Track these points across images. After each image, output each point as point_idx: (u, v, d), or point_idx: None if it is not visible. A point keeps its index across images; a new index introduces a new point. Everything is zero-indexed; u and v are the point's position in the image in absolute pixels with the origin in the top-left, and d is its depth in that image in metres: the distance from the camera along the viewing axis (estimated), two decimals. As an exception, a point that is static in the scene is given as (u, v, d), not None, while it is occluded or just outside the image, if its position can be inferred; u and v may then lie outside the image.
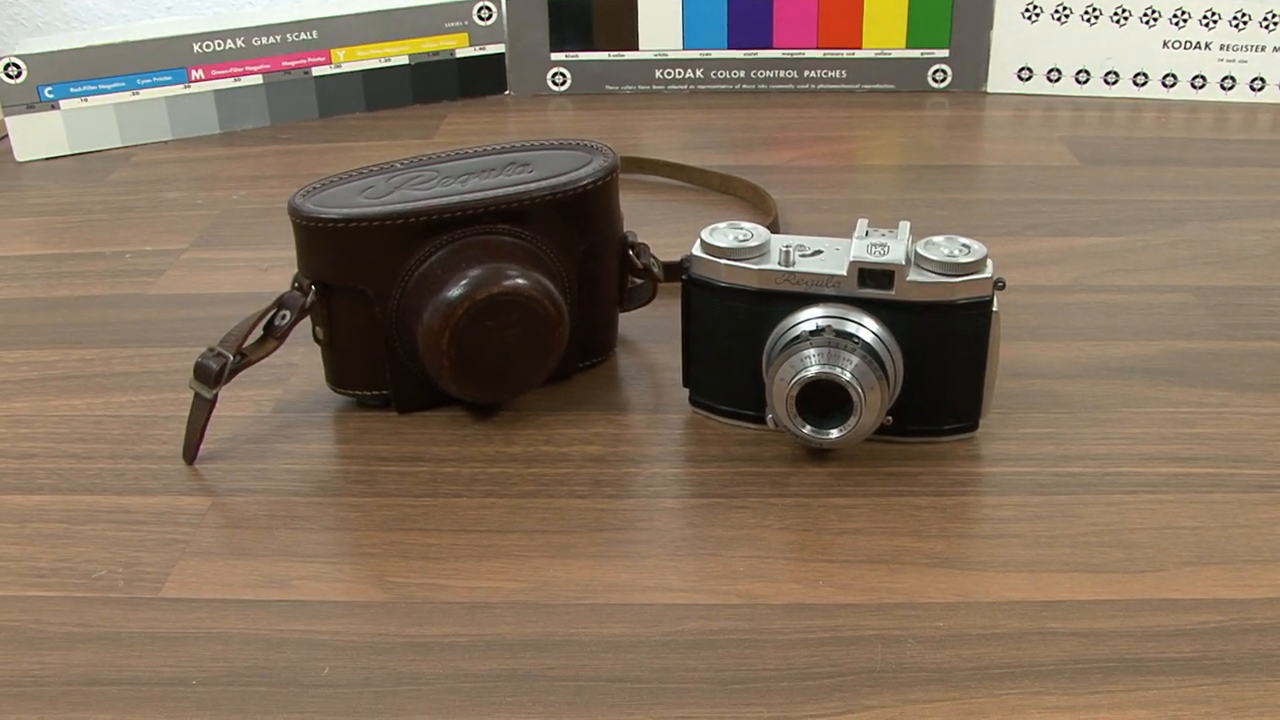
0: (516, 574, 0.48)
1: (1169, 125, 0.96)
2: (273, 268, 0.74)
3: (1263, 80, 1.00)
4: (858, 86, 1.05)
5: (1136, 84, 1.02)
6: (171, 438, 0.57)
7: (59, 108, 0.95)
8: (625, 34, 1.05)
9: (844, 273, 0.52)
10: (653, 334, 0.65)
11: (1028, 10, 1.01)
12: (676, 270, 0.56)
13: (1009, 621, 0.45)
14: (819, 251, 0.54)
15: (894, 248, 0.52)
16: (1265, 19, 0.98)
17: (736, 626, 0.45)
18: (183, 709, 0.42)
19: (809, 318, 0.52)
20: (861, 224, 0.54)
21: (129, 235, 0.80)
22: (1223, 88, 1.00)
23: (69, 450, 0.57)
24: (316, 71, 1.01)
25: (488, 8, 1.04)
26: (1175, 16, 0.99)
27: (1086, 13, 1.00)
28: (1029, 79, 1.03)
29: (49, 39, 1.02)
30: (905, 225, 0.54)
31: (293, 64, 1.00)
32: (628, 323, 0.65)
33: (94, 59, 0.95)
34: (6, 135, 0.96)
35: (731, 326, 0.55)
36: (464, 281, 0.53)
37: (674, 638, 0.45)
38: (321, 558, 0.49)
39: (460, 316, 0.53)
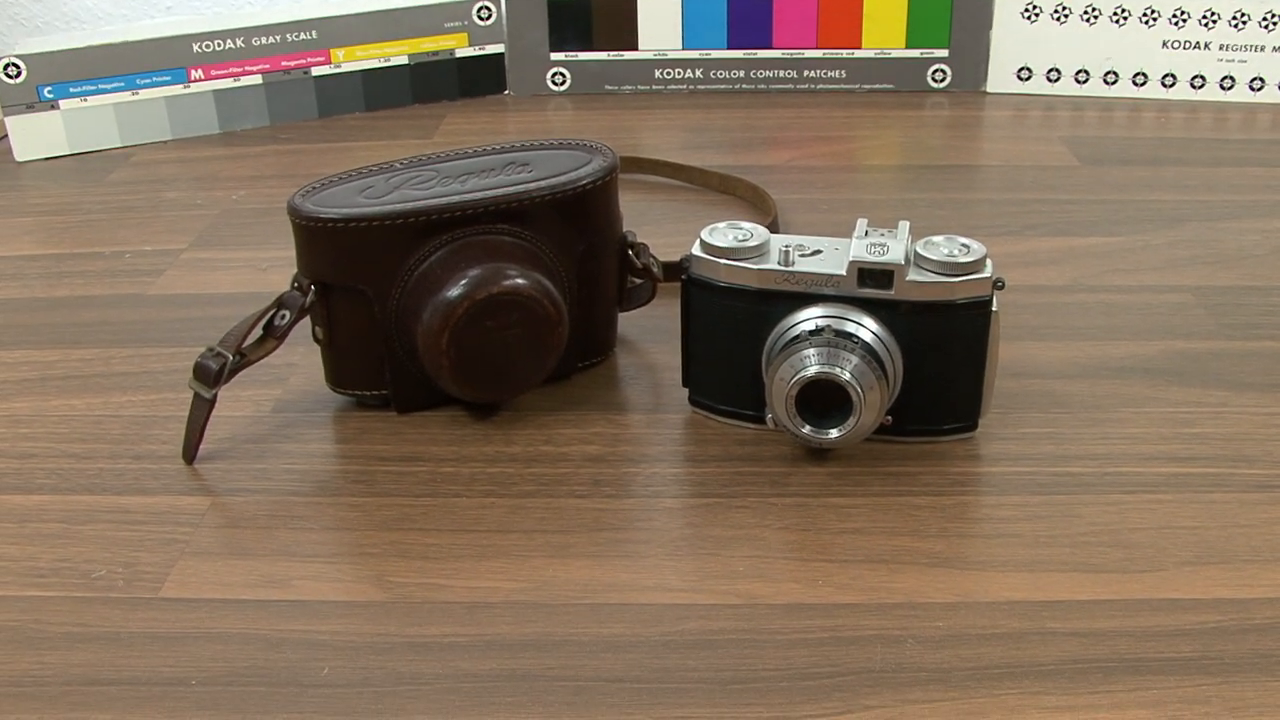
0: (516, 574, 0.48)
1: (1168, 125, 0.96)
2: (272, 268, 0.74)
3: (1262, 80, 1.00)
4: (857, 86, 1.05)
5: (1136, 84, 1.02)
6: (171, 438, 0.57)
7: (58, 108, 0.95)
8: (625, 34, 1.05)
9: (843, 272, 0.52)
10: (652, 334, 0.65)
11: (1027, 10, 1.01)
12: (676, 270, 0.56)
13: (1008, 621, 0.45)
14: (818, 251, 0.54)
15: (893, 248, 0.52)
16: (1264, 19, 0.98)
17: (736, 626, 0.45)
18: (182, 709, 0.42)
19: (808, 317, 0.52)
20: (861, 224, 0.54)
21: (128, 235, 0.80)
22: (1222, 88, 1.00)
23: (68, 450, 0.57)
24: (316, 71, 1.01)
25: (487, 8, 1.04)
26: (1174, 16, 0.99)
27: (1086, 13, 1.00)
28: (1028, 79, 1.03)
29: (49, 39, 1.02)
30: (905, 225, 0.54)
31: (292, 64, 1.00)
32: (627, 322, 0.65)
33: (93, 59, 0.95)
34: (6, 135, 0.96)
35: (731, 326, 0.55)
36: (464, 281, 0.53)
37: (673, 638, 0.45)
38: (321, 558, 0.49)
39: (460, 316, 0.53)
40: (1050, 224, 0.78)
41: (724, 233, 0.55)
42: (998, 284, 0.52)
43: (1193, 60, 1.00)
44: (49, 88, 0.94)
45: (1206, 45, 0.99)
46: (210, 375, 0.54)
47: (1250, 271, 0.71)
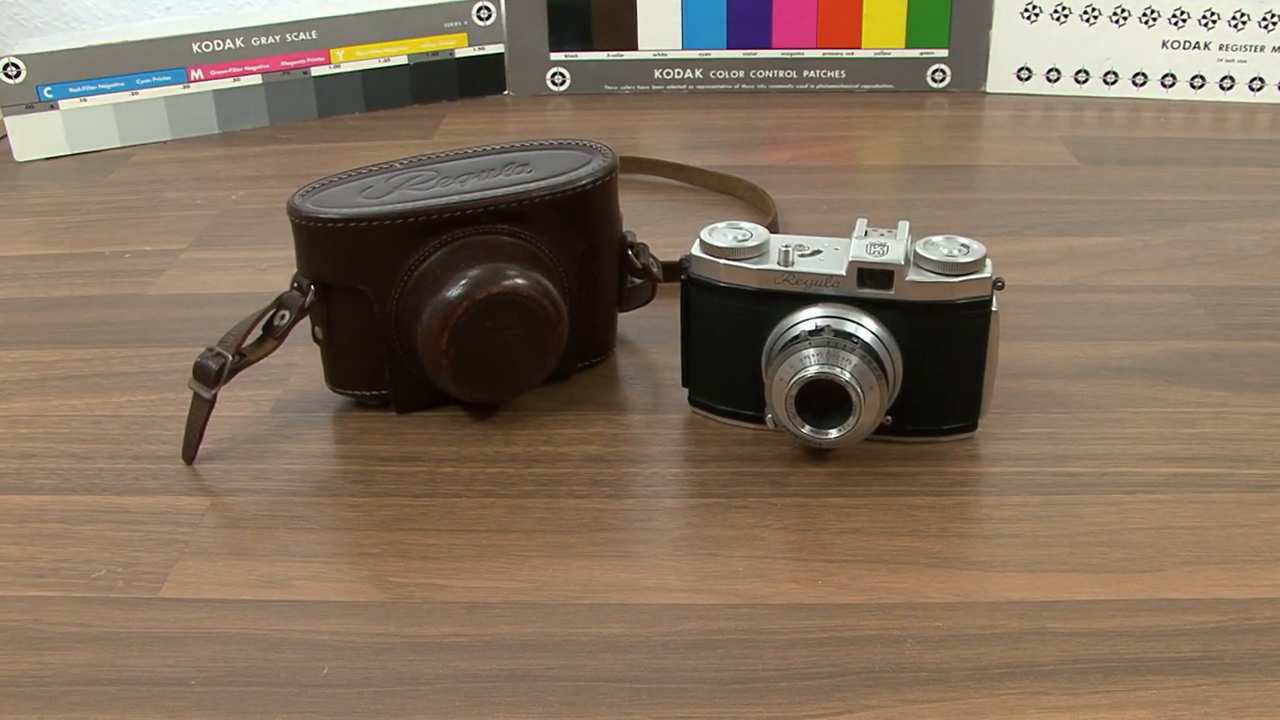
0: (515, 574, 0.48)
1: (1168, 125, 0.96)
2: (272, 268, 0.74)
3: (1261, 80, 1.00)
4: (857, 86, 1.05)
5: (1135, 84, 1.02)
6: (171, 438, 0.57)
7: (58, 108, 0.95)
8: (624, 34, 1.05)
9: (843, 273, 0.52)
10: (652, 334, 0.65)
11: (1027, 10, 1.01)
12: (676, 270, 0.56)
13: (1008, 621, 0.45)
14: (818, 251, 0.54)
15: (893, 248, 0.52)
16: (1264, 19, 0.98)
17: (735, 626, 0.45)
18: (182, 709, 0.42)
19: (808, 317, 0.52)
20: (861, 224, 0.54)
21: (128, 235, 0.80)
22: (1221, 88, 1.00)
23: (68, 450, 0.57)
24: (315, 71, 1.01)
25: (487, 8, 1.04)
26: (1174, 16, 0.99)
27: (1085, 13, 1.00)
28: (1028, 79, 1.03)
29: (48, 39, 1.02)
30: (904, 225, 0.54)
31: (292, 64, 1.00)
32: (627, 323, 0.65)
33: (93, 59, 0.95)
34: (6, 135, 0.96)
35: (731, 326, 0.55)
36: (463, 281, 0.53)
37: (673, 638, 0.45)
38: (320, 558, 0.49)
39: (459, 316, 0.53)
40: (1050, 224, 0.78)
41: (724, 233, 0.55)
42: (997, 284, 0.52)
43: (1192, 60, 1.00)
44: (49, 88, 0.94)
45: (1206, 45, 0.99)
46: (210, 375, 0.54)
47: (1250, 271, 0.71)
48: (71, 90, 0.95)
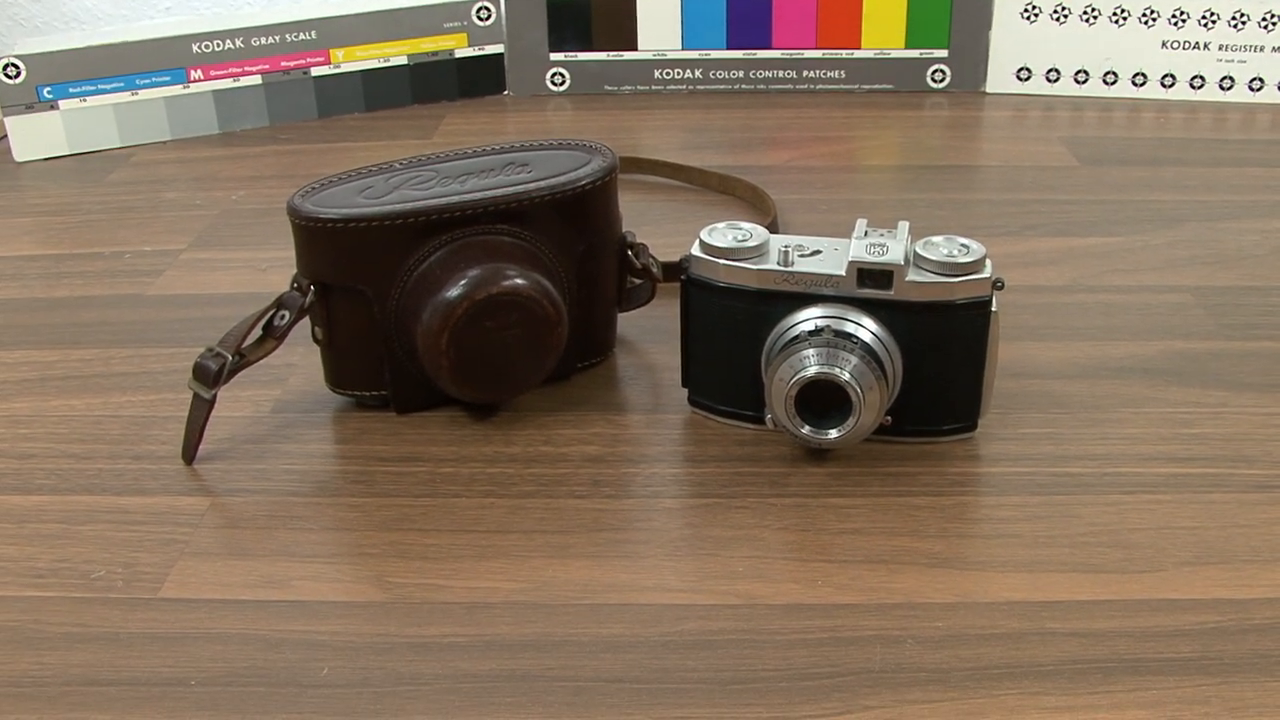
0: (515, 574, 0.48)
1: (1167, 125, 0.96)
2: (272, 268, 0.74)
3: (1261, 80, 1.00)
4: (856, 87, 1.05)
5: (1135, 84, 1.02)
6: (170, 438, 0.57)
7: (58, 108, 0.95)
8: (624, 34, 1.05)
9: (843, 273, 0.52)
10: (652, 334, 0.65)
11: (1026, 10, 1.01)
12: (675, 270, 0.56)
13: (1008, 622, 0.45)
14: (818, 251, 0.54)
15: (893, 248, 0.52)
16: (1264, 19, 0.98)
17: (735, 627, 0.45)
18: (181, 709, 0.42)
19: (808, 318, 0.52)
20: (860, 224, 0.54)
21: (128, 235, 0.80)
22: (1221, 88, 1.00)
23: (68, 450, 0.57)
24: (315, 72, 1.01)
25: (487, 8, 1.04)
26: (1174, 17, 0.99)
27: (1085, 13, 1.00)
28: (1028, 79, 1.03)
29: (48, 39, 1.02)
30: (904, 225, 0.54)
31: (292, 64, 1.00)
32: (626, 323, 0.65)
33: (93, 59, 0.95)
34: (5, 135, 0.96)
35: (730, 327, 0.55)
36: (463, 282, 0.53)
37: (673, 638, 0.45)
38: (320, 558, 0.49)
39: (459, 317, 0.53)
40: (1049, 224, 0.78)
41: (723, 233, 0.55)
42: (997, 284, 0.52)
43: (1192, 60, 1.00)
44: (48, 88, 0.94)
45: (1206, 45, 0.99)
46: (210, 375, 0.54)
47: (1249, 272, 0.71)
48: (71, 90, 0.95)
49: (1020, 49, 1.02)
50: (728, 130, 0.97)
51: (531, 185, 0.56)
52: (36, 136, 0.95)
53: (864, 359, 0.51)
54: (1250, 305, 0.67)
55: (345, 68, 1.02)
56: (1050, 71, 1.03)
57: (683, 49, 1.05)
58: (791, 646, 0.44)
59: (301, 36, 1.00)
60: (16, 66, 0.93)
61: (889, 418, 0.54)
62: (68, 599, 0.47)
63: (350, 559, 0.49)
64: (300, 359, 0.63)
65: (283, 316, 0.55)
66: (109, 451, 0.56)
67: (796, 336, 0.52)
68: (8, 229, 0.82)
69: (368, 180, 0.57)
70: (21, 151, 0.95)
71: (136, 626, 0.46)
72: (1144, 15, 0.99)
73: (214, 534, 0.51)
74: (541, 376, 0.57)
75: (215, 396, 0.54)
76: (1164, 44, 1.00)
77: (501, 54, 1.06)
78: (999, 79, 1.04)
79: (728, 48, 1.05)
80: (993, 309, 0.52)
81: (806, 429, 0.52)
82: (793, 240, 0.54)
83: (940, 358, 0.53)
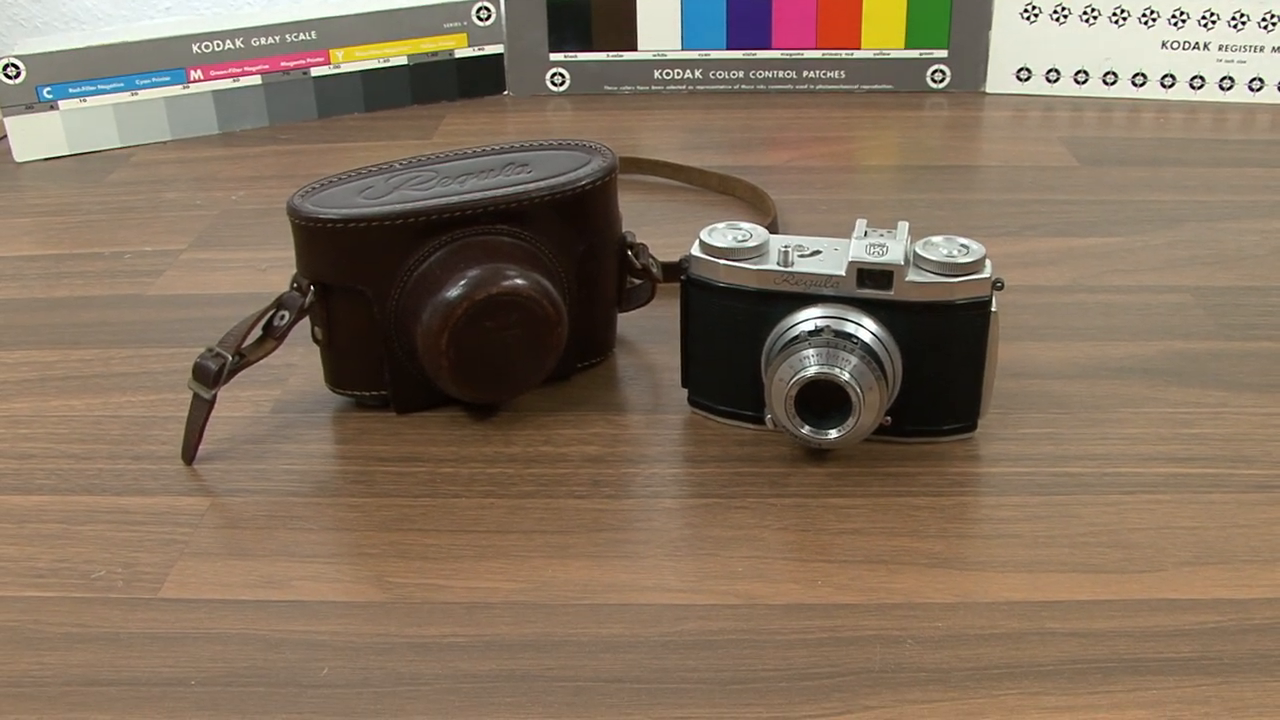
0: (515, 574, 0.48)
1: (1167, 126, 0.96)
2: (271, 268, 0.74)
3: (1261, 80, 1.00)
4: (856, 87, 1.05)
5: (1135, 84, 1.02)
6: (170, 438, 0.57)
7: (58, 108, 0.95)
8: (624, 34, 1.05)
9: (843, 273, 0.52)
10: (651, 334, 0.65)
11: (1026, 11, 1.01)
12: (675, 270, 0.56)
13: (1008, 622, 0.45)
14: (818, 252, 0.54)
15: (893, 248, 0.52)
16: (1264, 19, 0.98)
17: (735, 627, 0.45)
18: (181, 709, 0.42)
19: (808, 318, 0.52)
20: (860, 224, 0.54)
21: (128, 236, 0.80)
22: (1221, 88, 1.00)
23: (68, 451, 0.57)
24: (315, 72, 1.01)
25: (486, 8, 1.04)
26: (1174, 17, 0.99)
27: (1085, 13, 1.00)
28: (1027, 79, 1.03)
29: (48, 39, 1.02)
30: (904, 225, 0.54)
31: (291, 64, 1.00)
32: (626, 323, 0.65)
33: (93, 59, 0.95)
34: (5, 136, 0.96)
35: (730, 327, 0.55)
36: (463, 282, 0.53)
37: (673, 638, 0.45)
38: (320, 558, 0.49)
39: (459, 317, 0.53)
40: (1049, 224, 0.78)
41: (723, 233, 0.55)
42: (997, 284, 0.52)
43: (1192, 61, 1.00)
44: (48, 88, 0.94)
45: (1205, 46, 1.00)
46: (209, 376, 0.54)
47: (1249, 272, 0.71)
48: (71, 91, 0.95)
49: (1020, 49, 1.03)
50: (727, 130, 0.97)
51: (531, 185, 0.56)
52: (36, 137, 0.95)
53: (864, 359, 0.51)
54: (1250, 305, 0.67)
55: (345, 68, 1.02)
56: (1050, 72, 1.03)
57: (682, 49, 1.05)
58: (791, 646, 0.44)
59: (301, 37, 1.00)
60: (16, 66, 0.93)
61: (889, 418, 0.54)
62: (68, 599, 0.47)
63: (350, 559, 0.49)
64: (300, 359, 0.63)
65: (282, 317, 0.55)
66: (109, 452, 0.56)
67: (796, 337, 0.52)
68: (8, 229, 0.82)
69: (368, 180, 0.57)
70: (21, 152, 0.95)
71: (136, 626, 0.46)
72: (1144, 15, 0.99)
73: (214, 534, 0.51)
74: (541, 376, 0.57)
75: (215, 397, 0.54)
76: (1164, 44, 1.00)
77: (501, 54, 1.06)
78: (999, 79, 1.04)
79: (727, 48, 1.05)
80: (992, 309, 0.52)
81: (806, 429, 0.52)
82: (792, 240, 0.54)
83: (940, 358, 0.53)
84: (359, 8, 1.01)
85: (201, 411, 0.55)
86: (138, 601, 0.47)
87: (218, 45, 0.98)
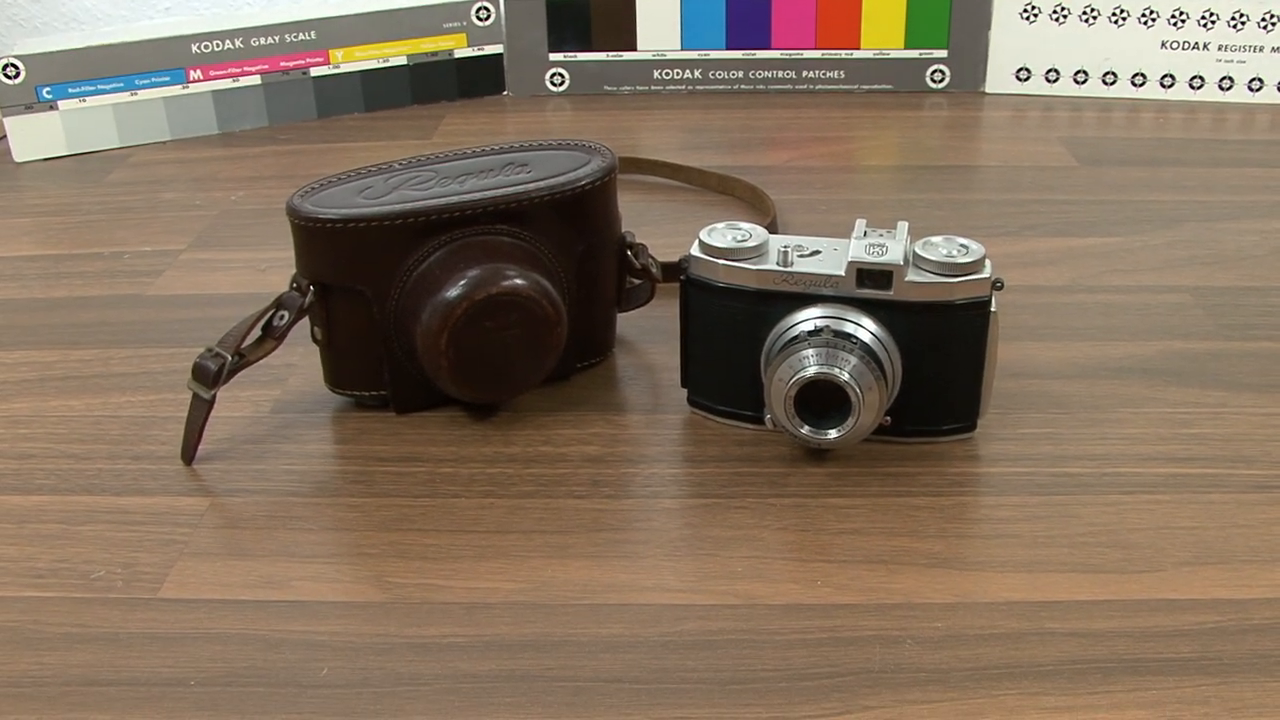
0: (515, 574, 0.48)
1: (1167, 126, 0.96)
2: (271, 268, 0.74)
3: (1261, 80, 1.00)
4: (856, 87, 1.05)
5: (1134, 84, 1.02)
6: (170, 438, 0.57)
7: (57, 108, 0.95)
8: (623, 34, 1.05)
9: (842, 273, 0.52)
10: (651, 334, 0.65)
11: (1026, 11, 1.01)
12: (675, 270, 0.56)
13: (1007, 622, 0.45)
14: (817, 252, 0.54)
15: (892, 248, 0.52)
16: (1263, 19, 0.98)
17: (735, 627, 0.45)
18: (181, 709, 0.42)
19: (807, 318, 0.52)
20: (860, 224, 0.54)
21: (127, 236, 0.80)
22: (1220, 88, 1.00)
23: (67, 451, 0.57)
24: (315, 72, 1.01)
25: (486, 8, 1.04)
26: (1173, 17, 0.99)
27: (1084, 13, 1.00)
28: (1027, 79, 1.03)
29: (47, 39, 1.02)
30: (903, 226, 0.54)
31: (291, 64, 1.00)
32: (626, 323, 0.65)
33: (92, 59, 0.95)
34: (5, 136, 0.96)
35: (730, 327, 0.55)
36: (462, 282, 0.53)
37: (672, 638, 0.45)
38: (320, 558, 0.49)
39: (459, 317, 0.53)
40: (1049, 224, 0.78)
41: (723, 233, 0.55)
42: (996, 284, 0.52)
43: (1191, 61, 1.00)
44: (48, 88, 0.94)
45: (1205, 46, 1.00)
46: (209, 376, 0.54)
47: (1248, 272, 0.71)
48: (70, 91, 0.95)
49: (1019, 49, 1.03)
50: (727, 130, 0.97)
51: (531, 185, 0.56)
52: (36, 137, 0.95)
53: (863, 359, 0.51)
54: (1249, 305, 0.67)
55: (345, 68, 1.02)
56: (1049, 72, 1.03)
57: (682, 49, 1.05)
58: (791, 647, 0.44)
59: (301, 37, 1.00)
60: (16, 67, 0.93)
61: (888, 418, 0.54)
62: (67, 599, 0.47)
63: (350, 559, 0.49)
64: (300, 359, 0.63)
65: (282, 317, 0.55)
66: (108, 452, 0.56)
67: (796, 337, 0.52)
68: (7, 229, 0.82)
69: (367, 180, 0.57)
70: (21, 152, 0.95)
71: (136, 626, 0.46)
72: (1143, 15, 0.99)
73: (214, 534, 0.51)
74: (541, 376, 0.57)
75: (215, 397, 0.54)
76: (1163, 44, 1.00)
77: (501, 54, 1.06)
78: (998, 79, 1.04)
79: (727, 48, 1.05)
80: (992, 309, 0.52)
81: (806, 429, 0.52)
82: (792, 240, 0.54)
83: (939, 358, 0.53)
84: (359, 8, 1.01)
85: (201, 412, 0.55)
86: (137, 601, 0.47)
87: (217, 45, 0.98)
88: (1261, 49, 0.99)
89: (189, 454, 0.55)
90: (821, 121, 0.99)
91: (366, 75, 1.02)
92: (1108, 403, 0.58)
